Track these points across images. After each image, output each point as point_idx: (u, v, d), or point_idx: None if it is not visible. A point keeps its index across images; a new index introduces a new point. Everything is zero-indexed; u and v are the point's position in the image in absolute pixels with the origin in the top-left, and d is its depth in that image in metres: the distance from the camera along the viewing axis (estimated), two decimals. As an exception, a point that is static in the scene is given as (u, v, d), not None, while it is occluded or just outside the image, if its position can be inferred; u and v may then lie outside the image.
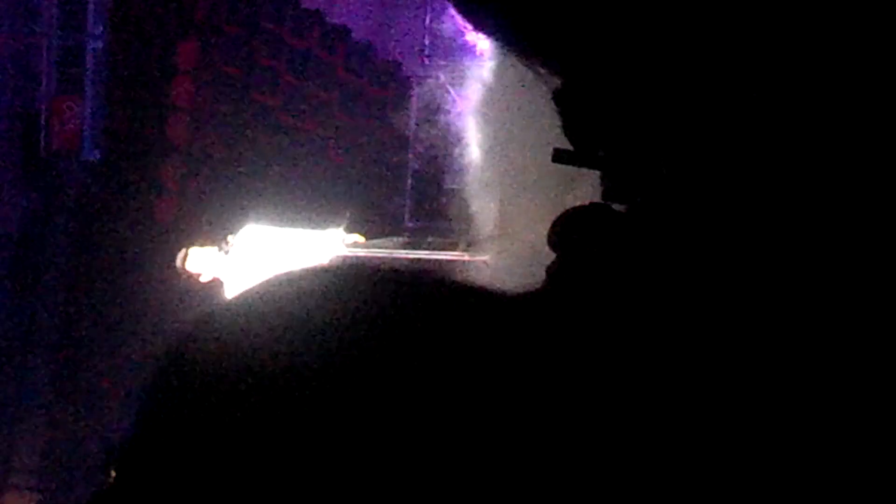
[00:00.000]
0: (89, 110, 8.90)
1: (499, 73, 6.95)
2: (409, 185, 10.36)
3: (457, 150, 7.70)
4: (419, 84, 9.62)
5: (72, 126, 8.84)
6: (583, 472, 0.56)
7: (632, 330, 0.61)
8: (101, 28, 8.95)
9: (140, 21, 9.01)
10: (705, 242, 0.62)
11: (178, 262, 7.72)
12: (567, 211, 0.68)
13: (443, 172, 8.91)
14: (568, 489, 0.56)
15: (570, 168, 0.72)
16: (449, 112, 8.44)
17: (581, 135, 0.69)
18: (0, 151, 8.74)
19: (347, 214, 8.33)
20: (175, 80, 9.20)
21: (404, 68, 10.54)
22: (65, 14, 8.86)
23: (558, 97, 0.69)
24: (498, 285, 0.65)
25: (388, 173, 10.58)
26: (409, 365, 0.54)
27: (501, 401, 0.56)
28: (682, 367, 0.60)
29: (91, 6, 8.89)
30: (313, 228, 8.10)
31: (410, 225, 10.07)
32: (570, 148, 0.69)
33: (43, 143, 8.82)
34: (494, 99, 7.08)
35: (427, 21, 9.97)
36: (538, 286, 0.66)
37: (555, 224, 0.67)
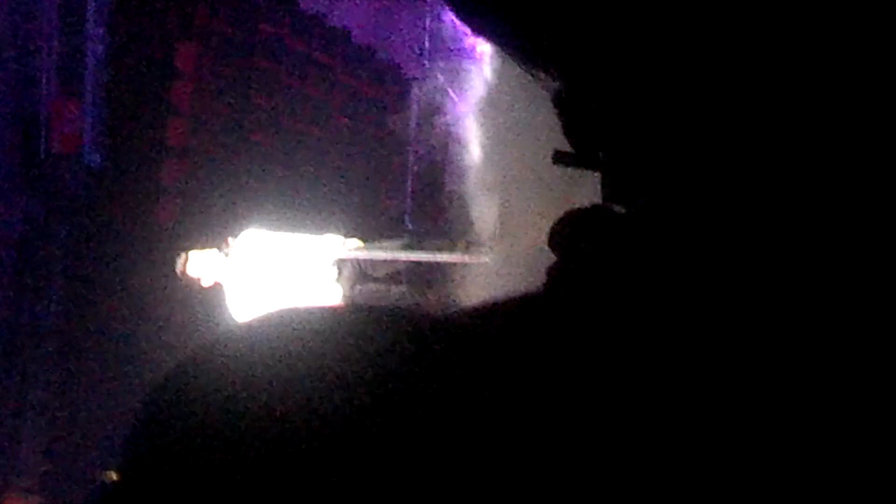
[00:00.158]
0: (89, 113, 8.90)
1: (499, 74, 6.96)
2: (409, 187, 10.37)
3: (457, 152, 7.69)
4: (419, 86, 9.62)
5: (72, 129, 8.84)
6: (583, 473, 0.57)
7: (633, 331, 0.61)
8: (101, 31, 8.95)
9: (140, 24, 9.01)
10: (706, 243, 0.62)
11: (179, 266, 7.71)
12: (567, 212, 0.68)
13: (443, 174, 8.91)
14: (568, 491, 0.56)
15: (570, 170, 0.73)
16: (449, 114, 8.44)
17: (581, 136, 0.69)
18: (0, 154, 8.73)
19: (347, 216, 8.34)
20: (175, 82, 9.20)
21: (404, 70, 10.55)
22: (65, 17, 8.86)
23: (558, 99, 0.69)
24: (499, 292, 0.65)
25: (388, 175, 10.60)
26: (414, 415, 0.54)
27: (501, 410, 0.56)
28: (685, 368, 0.60)
29: (91, 9, 8.89)
30: (314, 231, 8.09)
31: (411, 226, 10.08)
32: (570, 150, 0.69)
33: (43, 145, 8.82)
34: (494, 101, 7.07)
35: (427, 23, 9.99)
36: (539, 288, 0.66)
37: (555, 225, 0.67)
